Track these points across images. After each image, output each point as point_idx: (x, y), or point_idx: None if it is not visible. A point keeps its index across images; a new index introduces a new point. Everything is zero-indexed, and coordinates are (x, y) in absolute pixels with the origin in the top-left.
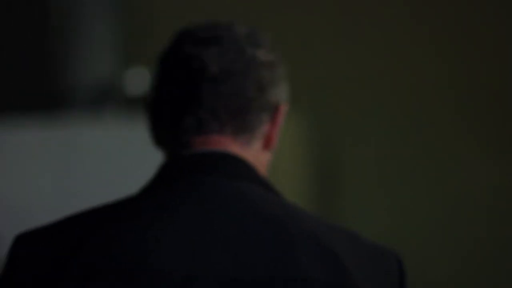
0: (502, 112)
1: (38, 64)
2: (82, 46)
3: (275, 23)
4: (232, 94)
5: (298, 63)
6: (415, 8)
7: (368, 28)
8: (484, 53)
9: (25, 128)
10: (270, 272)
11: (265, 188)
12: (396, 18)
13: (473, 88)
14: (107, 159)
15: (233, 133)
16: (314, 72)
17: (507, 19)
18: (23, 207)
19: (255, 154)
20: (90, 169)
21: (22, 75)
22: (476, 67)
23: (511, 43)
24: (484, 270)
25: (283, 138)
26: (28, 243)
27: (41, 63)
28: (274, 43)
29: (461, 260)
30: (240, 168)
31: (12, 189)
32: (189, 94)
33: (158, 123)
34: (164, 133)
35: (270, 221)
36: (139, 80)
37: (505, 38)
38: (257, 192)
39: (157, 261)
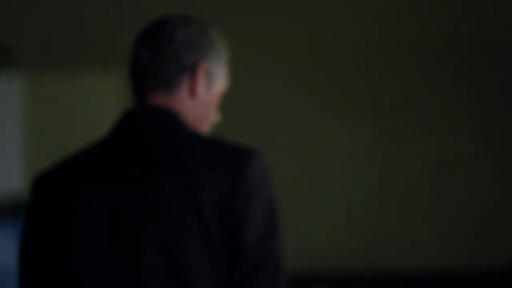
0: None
1: None
2: None
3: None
4: (156, 63)
5: None
6: None
7: None
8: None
9: None
10: (140, 189)
11: (176, 127)
12: None
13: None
14: None
15: (157, 89)
16: None
17: None
18: None
19: (179, 102)
20: None
21: None
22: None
23: None
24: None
25: None
26: (38, 184)
27: None
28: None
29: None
30: (161, 116)
31: None
32: (134, 72)
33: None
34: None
35: (158, 151)
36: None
37: None
38: (167, 131)
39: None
